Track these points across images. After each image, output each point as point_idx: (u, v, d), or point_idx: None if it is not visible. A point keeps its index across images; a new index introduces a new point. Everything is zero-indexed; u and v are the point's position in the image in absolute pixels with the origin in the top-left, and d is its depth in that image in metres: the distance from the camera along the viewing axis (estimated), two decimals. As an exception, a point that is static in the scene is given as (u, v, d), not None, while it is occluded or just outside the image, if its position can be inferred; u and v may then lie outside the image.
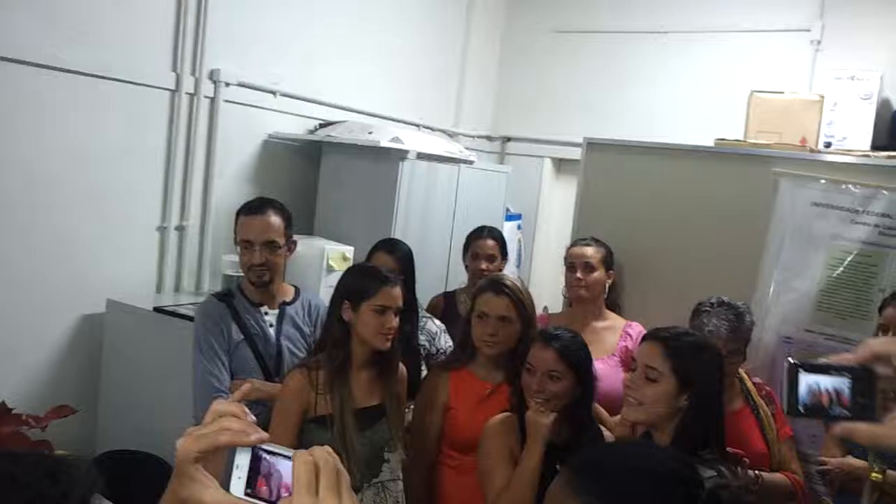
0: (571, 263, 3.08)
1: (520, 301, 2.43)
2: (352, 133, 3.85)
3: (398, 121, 4.61)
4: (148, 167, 3.40)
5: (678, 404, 1.88)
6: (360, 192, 3.82)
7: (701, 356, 1.94)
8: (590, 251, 3.07)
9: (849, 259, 2.99)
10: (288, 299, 2.63)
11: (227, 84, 3.61)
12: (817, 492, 2.77)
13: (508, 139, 5.68)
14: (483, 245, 3.37)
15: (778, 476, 2.48)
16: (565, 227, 3.68)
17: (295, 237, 2.68)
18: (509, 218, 5.11)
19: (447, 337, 3.03)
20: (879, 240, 2.95)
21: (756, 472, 2.36)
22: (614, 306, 3.23)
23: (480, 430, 2.36)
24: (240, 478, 0.82)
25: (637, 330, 3.01)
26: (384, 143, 3.65)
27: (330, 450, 0.82)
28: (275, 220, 2.53)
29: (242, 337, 2.49)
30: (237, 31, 3.66)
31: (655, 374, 1.90)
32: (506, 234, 5.01)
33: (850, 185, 2.99)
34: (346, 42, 4.29)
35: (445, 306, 3.37)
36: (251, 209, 2.55)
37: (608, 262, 3.12)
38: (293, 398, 2.23)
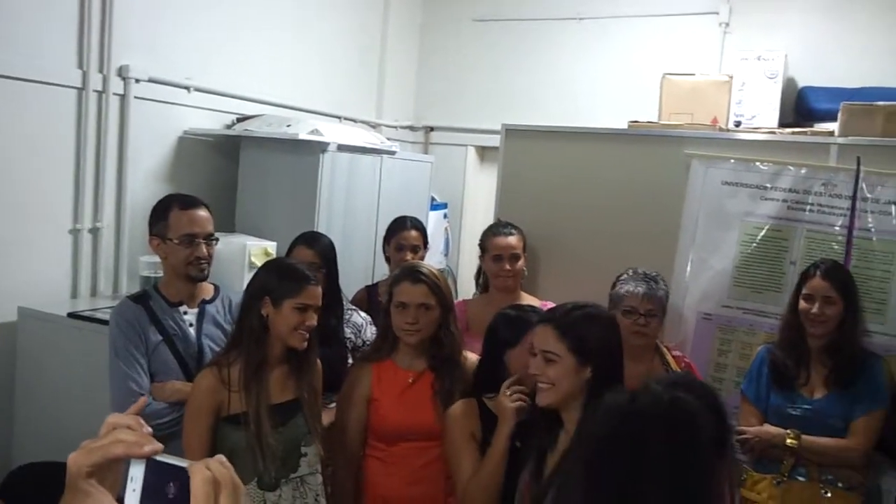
0: (498, 255, 3.11)
1: (437, 287, 2.44)
2: (270, 126, 3.79)
3: (318, 113, 4.55)
4: (57, 168, 3.28)
5: (583, 378, 1.92)
6: (280, 186, 3.76)
7: (593, 327, 1.97)
8: (514, 241, 3.12)
9: (761, 235, 3.09)
10: (208, 297, 2.57)
11: (138, 80, 3.50)
12: (737, 459, 2.87)
13: (432, 129, 5.68)
14: (406, 236, 3.37)
15: None
16: (491, 214, 3.71)
17: (216, 234, 2.63)
18: (435, 207, 5.12)
19: (373, 329, 3.02)
20: (788, 214, 3.06)
21: None
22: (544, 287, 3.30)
23: (405, 421, 2.39)
24: (134, 490, 0.80)
25: None
26: (303, 136, 3.61)
27: (225, 460, 0.81)
28: (209, 214, 2.52)
29: (161, 338, 2.42)
30: (146, 26, 3.56)
31: (553, 356, 1.93)
32: (432, 224, 5.06)
33: (758, 163, 3.10)
34: (261, 34, 4.22)
35: (369, 299, 3.36)
36: (188, 203, 2.48)
37: (525, 246, 3.18)
38: (205, 397, 2.20)
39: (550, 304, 3.08)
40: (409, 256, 3.33)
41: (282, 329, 2.22)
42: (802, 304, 2.66)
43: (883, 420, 2.54)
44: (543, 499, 1.87)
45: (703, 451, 1.31)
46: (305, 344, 2.24)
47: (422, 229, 3.45)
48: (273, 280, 2.28)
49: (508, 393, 2.14)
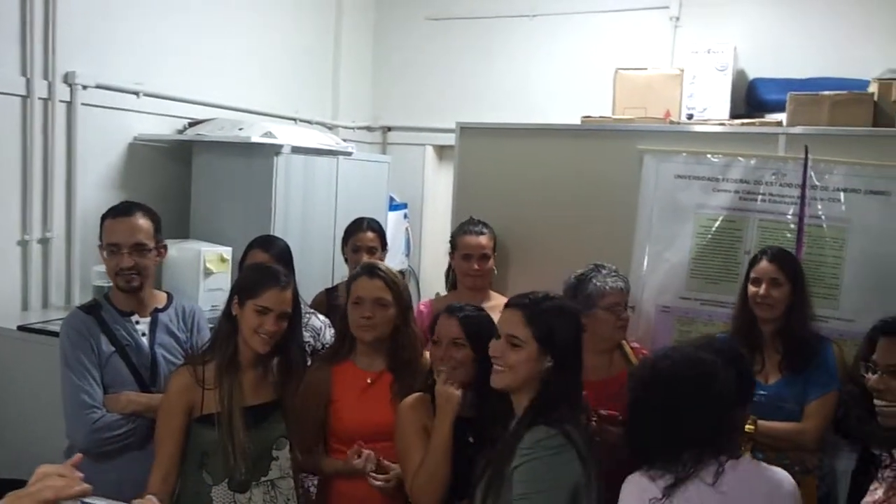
0: (468, 254, 3.12)
1: (394, 284, 2.45)
2: (222, 130, 3.75)
3: (272, 115, 4.51)
4: (3, 179, 3.21)
5: (541, 366, 1.95)
6: (235, 190, 3.72)
7: (561, 320, 2.00)
8: (484, 241, 3.14)
9: (715, 226, 3.12)
10: (160, 306, 2.53)
11: (85, 87, 3.44)
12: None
13: (389, 129, 5.66)
14: (363, 237, 3.35)
15: None
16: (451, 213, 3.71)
17: (169, 241, 2.61)
18: (394, 207, 5.11)
19: (332, 332, 3.00)
20: (741, 205, 3.10)
21: None
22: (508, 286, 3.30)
23: (365, 422, 2.39)
24: None
25: None
26: (256, 139, 3.57)
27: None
28: (143, 222, 2.44)
29: (113, 349, 2.38)
30: (93, 31, 3.49)
31: (518, 342, 1.96)
32: (392, 225, 5.05)
33: (709, 156, 3.13)
34: (212, 37, 4.17)
35: (328, 301, 3.33)
36: (117, 212, 2.45)
37: (496, 245, 3.21)
38: (177, 397, 2.19)
39: None
40: (366, 258, 3.31)
41: (244, 330, 2.21)
42: (750, 288, 2.70)
43: (836, 402, 2.58)
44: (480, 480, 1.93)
45: (723, 395, 1.80)
46: (267, 347, 2.22)
47: (379, 230, 3.43)
48: (243, 279, 2.31)
49: (444, 378, 2.18)
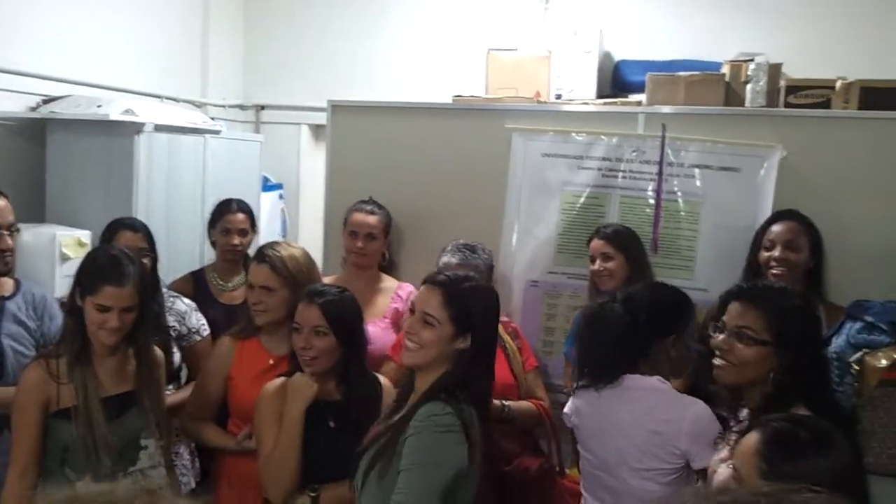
0: (353, 231, 3.08)
1: (282, 268, 2.40)
2: (79, 107, 3.55)
3: (134, 92, 4.28)
4: None
5: (454, 347, 1.94)
6: (93, 171, 3.53)
7: (479, 299, 2.00)
8: (372, 220, 3.10)
9: (579, 203, 3.22)
10: (7, 294, 2.39)
11: (-80, 61, 3.18)
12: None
13: (262, 107, 5.51)
14: (232, 219, 3.26)
15: (525, 404, 2.66)
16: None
17: (22, 226, 2.46)
18: (269, 188, 5.00)
19: (199, 315, 2.92)
20: (603, 182, 3.20)
21: (502, 401, 2.52)
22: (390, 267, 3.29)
23: None
24: None
25: (407, 291, 3.10)
26: (115, 117, 3.40)
27: None
28: (4, 202, 2.31)
29: (-44, 341, 2.24)
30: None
31: (432, 320, 1.94)
32: (269, 206, 4.94)
33: (573, 134, 3.22)
34: (68, 7, 3.92)
35: (196, 285, 3.23)
36: None
37: (388, 229, 3.18)
38: (31, 393, 2.09)
39: (406, 286, 3.11)
40: (236, 240, 3.24)
41: (88, 325, 2.12)
42: (590, 265, 2.88)
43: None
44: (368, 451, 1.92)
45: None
46: (112, 340, 2.12)
47: (249, 212, 3.35)
48: (82, 272, 2.18)
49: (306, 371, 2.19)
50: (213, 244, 3.34)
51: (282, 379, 2.26)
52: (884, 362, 1.95)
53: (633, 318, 2.14)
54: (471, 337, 1.94)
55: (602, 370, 2.16)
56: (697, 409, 2.05)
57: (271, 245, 2.53)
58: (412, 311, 2.02)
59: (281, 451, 2.13)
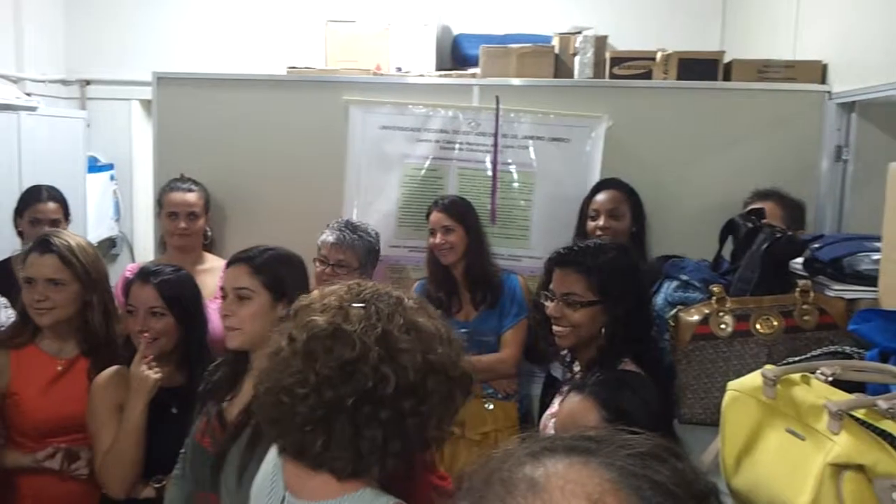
0: (173, 212, 2.96)
1: (72, 260, 2.21)
2: None
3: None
4: None
5: (275, 316, 1.89)
6: None
7: (286, 266, 1.98)
8: (192, 198, 2.98)
9: (419, 175, 3.23)
10: None
11: None
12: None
13: (88, 82, 5.15)
14: (42, 209, 3.04)
15: None
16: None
17: None
18: (98, 169, 4.72)
19: (9, 312, 2.69)
20: (441, 154, 3.22)
21: None
22: (212, 246, 3.18)
23: (55, 415, 2.18)
24: None
25: None
26: None
27: None
28: None
29: None
30: None
31: (247, 293, 1.89)
32: (99, 188, 4.66)
33: (410, 107, 3.22)
34: None
35: (2, 276, 2.99)
36: None
37: (208, 205, 3.07)
38: None
39: None
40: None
41: None
42: (430, 239, 2.89)
43: (526, 328, 2.81)
44: (233, 443, 1.81)
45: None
46: None
47: (61, 200, 3.14)
48: None
49: (146, 363, 2.07)
50: (21, 234, 3.09)
51: (113, 368, 2.15)
52: (696, 317, 2.07)
53: None
54: (289, 302, 1.90)
55: None
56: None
57: (54, 233, 2.30)
58: (224, 296, 1.94)
59: (122, 448, 2.03)
